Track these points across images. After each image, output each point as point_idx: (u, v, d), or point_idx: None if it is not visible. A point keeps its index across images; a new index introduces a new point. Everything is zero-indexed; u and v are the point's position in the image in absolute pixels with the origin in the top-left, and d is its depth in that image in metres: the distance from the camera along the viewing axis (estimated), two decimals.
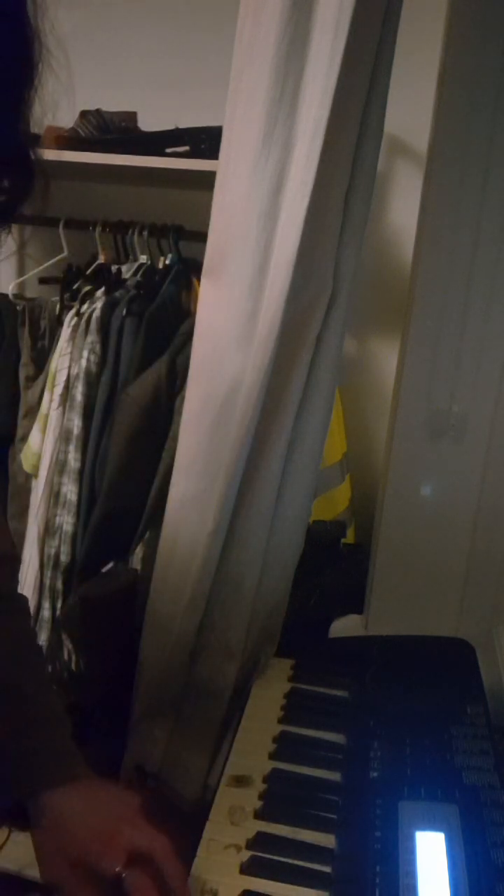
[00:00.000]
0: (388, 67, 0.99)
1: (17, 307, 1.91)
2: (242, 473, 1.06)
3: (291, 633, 1.25)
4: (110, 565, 1.64)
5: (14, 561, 0.96)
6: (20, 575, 1.85)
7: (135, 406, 1.64)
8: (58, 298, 1.91)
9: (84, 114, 1.82)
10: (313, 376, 1.07)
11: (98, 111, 1.83)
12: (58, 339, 1.82)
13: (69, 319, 1.80)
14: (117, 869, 0.67)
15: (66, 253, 1.95)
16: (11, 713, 0.79)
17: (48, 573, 1.81)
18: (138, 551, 1.65)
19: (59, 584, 1.80)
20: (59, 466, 1.78)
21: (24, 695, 0.81)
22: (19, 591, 0.95)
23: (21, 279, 2.07)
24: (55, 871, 0.71)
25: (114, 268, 1.91)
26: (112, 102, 1.85)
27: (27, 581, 1.83)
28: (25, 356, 1.90)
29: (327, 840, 0.84)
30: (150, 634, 1.14)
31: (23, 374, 1.91)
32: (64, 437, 1.77)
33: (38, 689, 0.84)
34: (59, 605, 1.79)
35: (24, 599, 0.94)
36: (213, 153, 1.08)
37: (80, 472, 1.77)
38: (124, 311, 1.75)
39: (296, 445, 1.10)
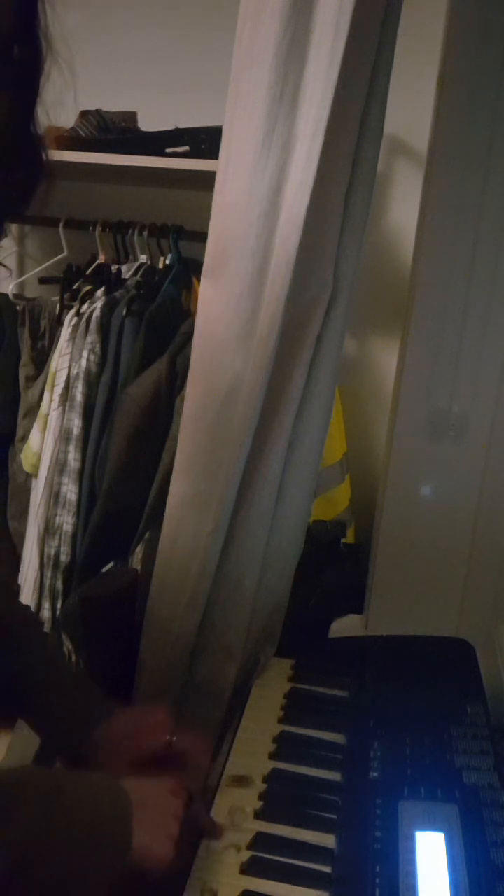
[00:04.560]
0: (388, 67, 0.99)
1: (17, 307, 1.91)
2: (242, 473, 1.06)
3: (291, 633, 1.25)
4: (110, 565, 1.64)
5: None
6: (20, 575, 1.85)
7: (135, 406, 1.64)
8: (58, 298, 1.91)
9: (84, 114, 1.82)
10: (313, 376, 1.07)
11: (98, 111, 1.83)
12: (58, 339, 1.82)
13: (69, 319, 1.80)
14: (167, 738, 0.85)
15: (66, 253, 1.95)
16: (47, 681, 0.90)
17: (48, 573, 1.81)
18: (138, 551, 1.65)
19: (59, 584, 1.80)
20: (59, 466, 1.78)
21: (50, 663, 0.93)
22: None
23: (21, 279, 2.07)
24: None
25: (114, 268, 1.91)
26: (112, 102, 1.85)
27: (27, 581, 1.83)
28: (25, 356, 1.91)
29: (327, 840, 0.84)
30: (150, 634, 1.13)
31: (23, 374, 1.91)
32: (64, 437, 1.77)
33: (58, 656, 0.98)
34: (59, 605, 1.79)
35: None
36: (213, 153, 1.08)
37: (80, 472, 1.77)
38: (124, 311, 1.76)
39: (296, 445, 1.10)
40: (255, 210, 0.97)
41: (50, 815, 0.65)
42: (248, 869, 0.79)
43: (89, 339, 1.76)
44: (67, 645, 1.39)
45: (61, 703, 0.89)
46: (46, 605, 1.81)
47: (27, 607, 1.01)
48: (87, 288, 1.87)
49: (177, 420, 1.59)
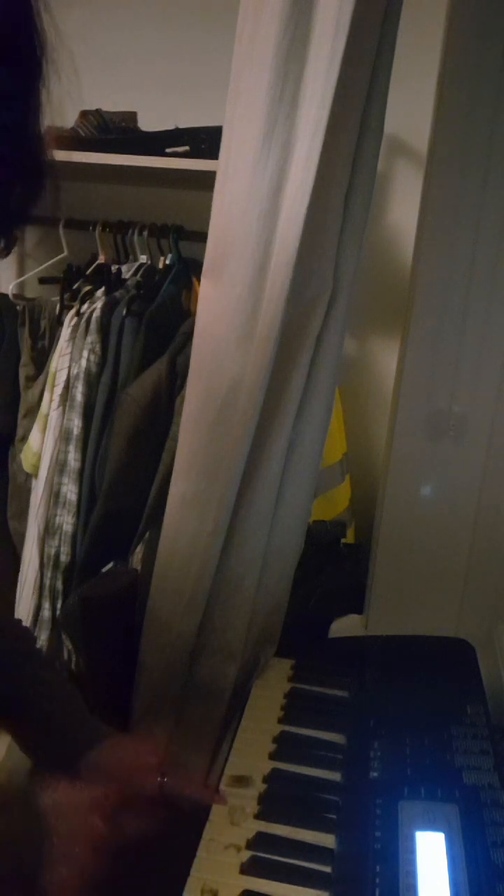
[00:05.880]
0: (388, 67, 0.99)
1: (17, 307, 1.91)
2: (242, 473, 1.06)
3: (291, 633, 1.25)
4: (110, 565, 1.64)
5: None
6: (20, 575, 1.85)
7: (135, 406, 1.64)
8: (58, 298, 1.91)
9: (84, 114, 1.82)
10: (313, 376, 1.07)
11: (98, 111, 1.83)
12: (58, 339, 1.82)
13: (69, 319, 1.80)
14: (159, 779, 0.81)
15: (66, 253, 1.95)
16: (37, 700, 0.87)
17: (48, 573, 1.80)
18: (138, 551, 1.65)
19: (59, 584, 1.80)
20: (59, 466, 1.78)
21: (40, 681, 0.89)
22: (19, 591, 0.97)
23: (21, 279, 2.07)
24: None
25: (114, 268, 1.90)
26: (112, 102, 1.85)
27: (27, 581, 1.83)
28: (25, 356, 1.90)
29: (327, 840, 0.84)
30: (150, 634, 1.13)
31: (23, 374, 1.91)
32: (64, 437, 1.77)
33: (48, 673, 0.92)
34: (59, 605, 1.79)
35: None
36: (213, 153, 1.08)
37: (80, 472, 1.77)
38: (124, 311, 1.75)
39: (296, 445, 1.10)
40: (255, 210, 0.97)
41: None
42: (248, 869, 0.79)
43: (89, 339, 1.76)
44: (67, 645, 1.39)
45: (50, 725, 0.86)
46: (46, 605, 1.81)
47: (19, 621, 1.00)
48: (87, 288, 1.86)
49: (177, 420, 1.58)
